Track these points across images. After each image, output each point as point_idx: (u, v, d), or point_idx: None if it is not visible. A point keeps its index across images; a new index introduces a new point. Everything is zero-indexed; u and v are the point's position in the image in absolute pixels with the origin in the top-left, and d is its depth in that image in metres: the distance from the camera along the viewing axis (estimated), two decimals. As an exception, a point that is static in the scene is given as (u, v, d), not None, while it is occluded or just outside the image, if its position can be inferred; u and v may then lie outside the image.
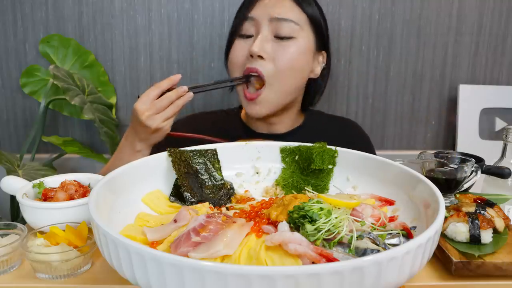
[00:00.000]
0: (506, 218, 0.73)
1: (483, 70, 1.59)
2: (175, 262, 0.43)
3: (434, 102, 1.61)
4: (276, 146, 0.86)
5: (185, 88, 0.96)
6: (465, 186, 0.84)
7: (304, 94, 1.18)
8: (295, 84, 1.08)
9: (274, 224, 0.59)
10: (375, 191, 0.74)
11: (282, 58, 1.03)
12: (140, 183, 0.72)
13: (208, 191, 0.77)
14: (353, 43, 1.54)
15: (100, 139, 1.49)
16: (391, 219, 0.67)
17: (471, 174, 0.82)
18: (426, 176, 0.68)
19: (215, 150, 0.82)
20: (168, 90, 0.96)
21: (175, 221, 0.61)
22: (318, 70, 1.14)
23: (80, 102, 1.31)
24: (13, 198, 1.31)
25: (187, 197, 0.73)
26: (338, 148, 0.82)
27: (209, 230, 0.55)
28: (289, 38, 1.04)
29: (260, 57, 1.02)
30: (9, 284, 0.62)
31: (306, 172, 0.83)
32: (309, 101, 1.21)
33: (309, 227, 0.54)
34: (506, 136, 0.97)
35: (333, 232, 0.55)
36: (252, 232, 0.57)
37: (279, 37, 1.04)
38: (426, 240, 0.48)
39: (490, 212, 0.71)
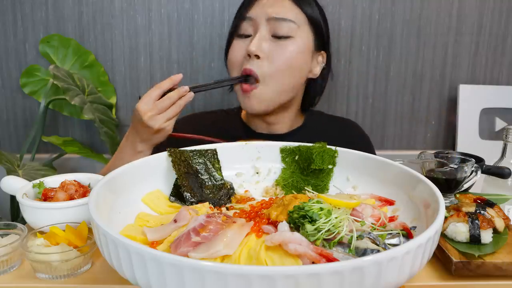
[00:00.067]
0: (506, 218, 0.73)
1: (483, 70, 1.59)
2: (175, 262, 0.43)
3: (434, 102, 1.61)
4: (276, 146, 0.86)
5: (186, 88, 0.96)
6: (465, 186, 0.84)
7: (304, 94, 1.18)
8: (292, 83, 1.08)
9: (274, 224, 0.59)
10: (375, 191, 0.74)
11: (279, 57, 1.03)
12: (140, 183, 0.72)
13: (208, 191, 0.77)
14: (353, 43, 1.54)
15: (100, 139, 1.50)
16: (391, 219, 0.67)
17: (471, 174, 0.82)
18: (426, 176, 0.68)
19: (215, 150, 0.82)
20: (170, 90, 0.96)
21: (175, 221, 0.61)
22: (317, 70, 1.14)
23: (80, 102, 1.31)
24: (13, 198, 1.31)
25: (187, 197, 0.73)
26: (338, 148, 0.82)
27: (209, 230, 0.55)
28: (287, 37, 1.04)
29: (257, 56, 1.02)
30: (9, 284, 0.62)
31: (306, 172, 0.83)
32: (309, 101, 1.21)
33: (309, 227, 0.54)
34: (506, 136, 0.97)
35: (333, 232, 0.55)
36: (252, 232, 0.57)
37: (277, 37, 1.04)
38: (426, 240, 0.48)
39: (490, 212, 0.71)
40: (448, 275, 0.64)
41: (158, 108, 0.94)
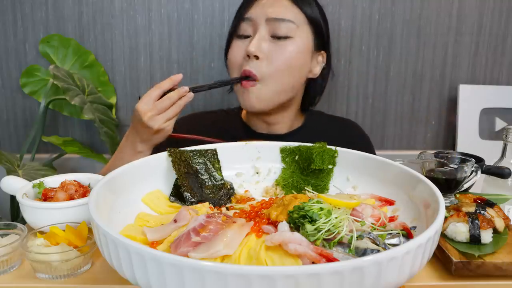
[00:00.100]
0: (506, 218, 0.73)
1: (483, 70, 1.59)
2: (175, 262, 0.43)
3: (434, 102, 1.61)
4: (276, 146, 0.86)
5: (186, 88, 0.96)
6: (465, 186, 0.84)
7: (304, 94, 1.18)
8: (292, 83, 1.08)
9: (274, 224, 0.59)
10: (375, 191, 0.74)
11: (279, 58, 1.03)
12: (140, 183, 0.72)
13: (208, 191, 0.77)
14: (353, 43, 1.54)
15: (100, 139, 1.50)
16: (391, 219, 0.67)
17: (471, 174, 0.82)
18: (426, 176, 0.68)
19: (215, 150, 0.82)
20: (170, 90, 0.96)
21: (175, 221, 0.61)
22: (317, 70, 1.14)
23: (80, 102, 1.31)
24: (13, 198, 1.31)
25: (187, 197, 0.73)
26: (338, 148, 0.82)
27: (209, 230, 0.55)
28: (286, 37, 1.04)
29: (256, 57, 1.02)
30: (9, 284, 0.62)
31: (306, 172, 0.83)
32: (309, 101, 1.21)
33: (309, 227, 0.54)
34: (506, 136, 0.97)
35: (333, 232, 0.55)
36: (252, 232, 0.57)
37: (276, 37, 1.04)
38: (426, 240, 0.48)
39: (490, 212, 0.71)
40: (448, 275, 0.64)
41: (158, 109, 0.94)
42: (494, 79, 1.60)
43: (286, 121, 1.16)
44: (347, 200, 0.60)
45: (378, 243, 0.55)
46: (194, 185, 0.76)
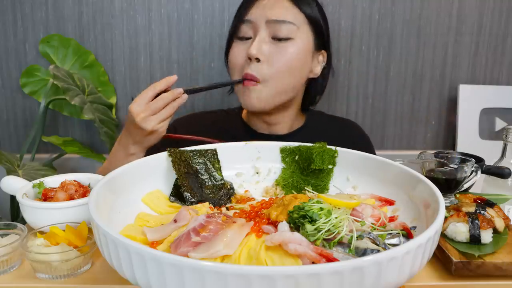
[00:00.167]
0: (506, 218, 0.73)
1: (483, 70, 1.59)
2: (175, 262, 0.43)
3: (434, 102, 1.61)
4: (276, 146, 0.86)
5: (181, 90, 0.95)
6: (465, 186, 0.84)
7: (305, 94, 1.18)
8: (292, 83, 1.08)
9: (274, 224, 0.59)
10: (375, 191, 0.74)
11: (280, 59, 1.03)
12: (140, 183, 0.72)
13: (208, 191, 0.77)
14: (353, 43, 1.54)
15: (100, 139, 1.50)
16: (391, 219, 0.67)
17: (471, 174, 0.82)
18: (426, 176, 0.68)
19: (215, 150, 0.82)
20: (164, 91, 0.95)
21: (175, 221, 0.61)
22: (318, 69, 1.14)
23: (80, 102, 1.31)
24: (13, 198, 1.31)
25: (187, 197, 0.73)
26: (338, 148, 0.82)
27: (209, 230, 0.55)
28: (286, 39, 1.03)
29: (257, 59, 1.02)
30: (9, 284, 0.62)
31: (306, 172, 0.83)
32: (310, 101, 1.21)
33: (309, 227, 0.54)
34: (506, 136, 0.97)
35: (333, 232, 0.55)
36: (252, 232, 0.57)
37: (276, 39, 1.04)
38: (426, 240, 0.48)
39: (490, 212, 0.71)
40: (448, 275, 0.64)
41: (152, 109, 0.92)
42: (494, 79, 1.60)
43: (287, 121, 1.16)
44: (347, 200, 0.60)
45: (378, 243, 0.55)
46: (194, 185, 0.76)
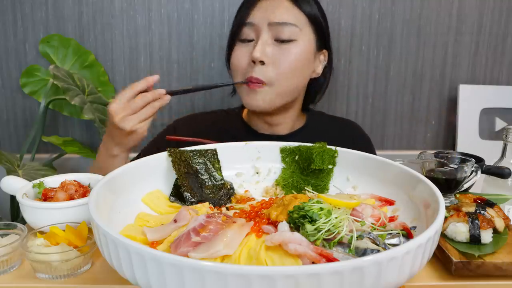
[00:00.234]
0: (506, 218, 0.73)
1: (483, 70, 1.59)
2: (175, 262, 0.43)
3: (434, 102, 1.61)
4: (276, 146, 0.86)
5: (162, 90, 0.94)
6: (465, 186, 0.84)
7: (306, 93, 1.18)
8: (296, 84, 1.08)
9: (274, 224, 0.59)
10: (375, 191, 0.74)
11: (284, 61, 1.03)
12: (140, 183, 0.72)
13: (208, 191, 0.77)
14: (353, 42, 1.54)
15: (100, 139, 1.49)
16: (391, 219, 0.67)
17: (471, 174, 0.82)
18: (426, 176, 0.68)
19: (215, 150, 0.82)
20: (146, 92, 0.93)
21: (175, 221, 0.61)
22: (319, 69, 1.14)
23: (80, 102, 1.31)
24: (13, 198, 1.31)
25: (187, 197, 0.73)
26: (338, 148, 0.82)
27: (209, 230, 0.55)
28: (289, 41, 1.03)
29: (262, 62, 1.02)
30: (9, 284, 0.62)
31: (306, 172, 0.83)
32: (311, 100, 1.21)
33: (309, 227, 0.54)
34: (506, 136, 0.97)
35: (333, 232, 0.55)
36: (252, 232, 0.57)
37: (279, 41, 1.04)
38: (426, 240, 0.48)
39: (490, 212, 0.71)
40: (448, 275, 0.64)
41: (131, 109, 0.91)
42: (494, 79, 1.60)
43: (288, 122, 1.16)
44: (347, 200, 0.60)
45: (378, 243, 0.55)
46: (194, 185, 0.76)
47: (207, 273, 0.42)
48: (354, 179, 0.80)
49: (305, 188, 0.79)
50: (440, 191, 0.60)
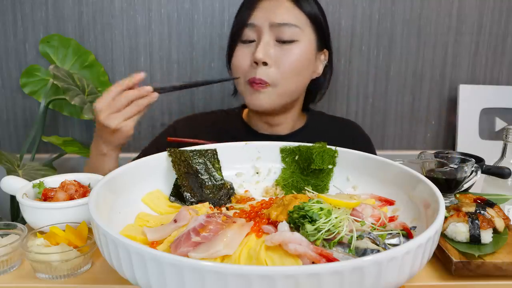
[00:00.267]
0: (506, 218, 0.73)
1: (483, 70, 1.59)
2: (175, 262, 0.43)
3: (434, 102, 1.61)
4: (276, 146, 0.86)
5: (149, 88, 0.93)
6: (465, 186, 0.84)
7: (306, 93, 1.18)
8: (298, 84, 1.08)
9: (274, 224, 0.59)
10: (375, 191, 0.74)
11: (286, 62, 1.03)
12: (140, 183, 0.72)
13: (208, 191, 0.77)
14: (353, 43, 1.54)
15: (100, 139, 1.49)
16: (391, 219, 0.67)
17: (471, 174, 0.82)
18: (426, 176, 0.68)
19: (215, 150, 0.82)
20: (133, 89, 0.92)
21: (175, 221, 0.61)
22: (320, 69, 1.14)
23: (80, 102, 1.31)
24: (13, 198, 1.31)
25: (187, 197, 0.73)
26: (338, 148, 0.82)
27: (209, 230, 0.55)
28: (291, 41, 1.03)
29: (265, 63, 1.02)
30: (9, 284, 0.62)
31: (306, 172, 0.83)
32: (311, 99, 1.21)
33: (309, 227, 0.54)
34: (506, 136, 0.97)
35: (333, 232, 0.55)
36: (252, 232, 0.57)
37: (281, 41, 1.04)
38: (426, 240, 0.48)
39: (490, 212, 0.71)
40: (448, 275, 0.64)
41: (116, 106, 0.90)
42: (494, 79, 1.60)
43: (289, 122, 1.16)
44: (347, 200, 0.60)
45: (378, 243, 0.55)
46: (194, 185, 0.76)
47: (207, 273, 0.42)
48: (354, 179, 0.80)
49: (305, 188, 0.79)
50: (440, 191, 0.60)
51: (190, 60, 1.52)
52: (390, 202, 0.71)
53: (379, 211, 0.65)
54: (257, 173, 0.85)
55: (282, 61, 1.03)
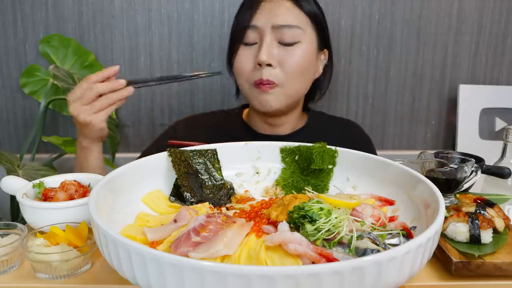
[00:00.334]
0: (506, 218, 0.73)
1: (483, 70, 1.59)
2: (175, 262, 0.43)
3: (434, 102, 1.61)
4: (276, 146, 0.86)
5: (122, 81, 0.91)
6: (465, 186, 0.84)
7: (307, 93, 1.18)
8: (303, 85, 1.09)
9: (274, 224, 0.59)
10: (375, 191, 0.74)
11: (290, 63, 1.03)
12: (140, 183, 0.72)
13: (208, 191, 0.77)
14: (353, 43, 1.54)
15: (100, 139, 1.49)
16: (391, 219, 0.67)
17: (471, 174, 0.82)
18: (426, 176, 0.68)
19: (215, 150, 0.82)
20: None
21: (175, 221, 0.61)
22: (321, 68, 1.14)
23: (80, 102, 1.31)
24: (13, 198, 1.31)
25: (187, 197, 0.73)
26: (338, 148, 0.82)
27: (209, 230, 0.55)
28: (293, 43, 1.04)
29: (269, 65, 1.02)
30: (9, 284, 0.62)
31: (306, 172, 0.83)
32: (310, 98, 1.21)
33: (309, 227, 0.54)
34: (506, 136, 0.97)
35: (333, 232, 0.55)
36: (252, 232, 0.57)
37: (283, 43, 1.04)
38: (426, 240, 0.48)
39: (490, 212, 0.71)
40: (448, 275, 0.64)
41: (86, 99, 0.89)
42: (494, 79, 1.60)
43: (291, 122, 1.16)
44: (347, 200, 0.60)
45: (378, 243, 0.55)
46: (194, 185, 0.76)
47: (207, 273, 0.42)
48: (354, 179, 0.80)
49: (305, 188, 0.79)
50: (440, 191, 0.60)
51: (190, 60, 1.52)
52: (390, 202, 0.71)
53: (379, 211, 0.65)
54: (257, 173, 0.85)
55: (285, 62, 1.03)
